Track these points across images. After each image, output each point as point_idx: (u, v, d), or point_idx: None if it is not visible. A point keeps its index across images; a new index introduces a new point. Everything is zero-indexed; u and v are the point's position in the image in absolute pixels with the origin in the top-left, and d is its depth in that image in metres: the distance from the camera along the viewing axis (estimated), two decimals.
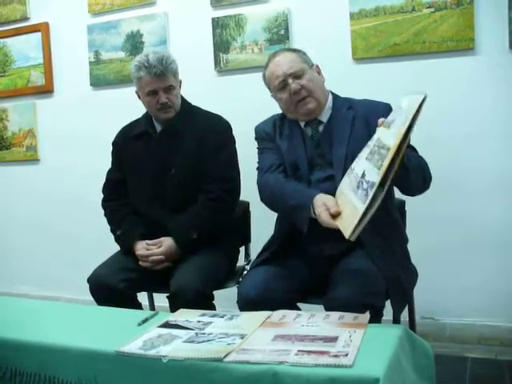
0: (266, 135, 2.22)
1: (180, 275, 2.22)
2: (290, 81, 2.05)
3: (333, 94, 2.19)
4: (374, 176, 1.52)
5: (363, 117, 2.06)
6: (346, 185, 1.75)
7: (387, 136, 1.56)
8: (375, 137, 1.68)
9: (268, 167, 2.14)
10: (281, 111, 2.23)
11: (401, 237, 2.13)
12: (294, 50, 2.17)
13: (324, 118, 2.12)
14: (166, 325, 1.64)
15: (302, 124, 2.14)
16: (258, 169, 2.21)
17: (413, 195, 2.04)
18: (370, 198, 1.49)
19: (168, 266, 2.32)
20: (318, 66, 2.16)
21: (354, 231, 1.53)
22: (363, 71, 2.88)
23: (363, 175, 1.60)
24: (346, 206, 1.68)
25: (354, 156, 1.87)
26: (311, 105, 2.07)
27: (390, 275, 1.88)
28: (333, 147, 2.05)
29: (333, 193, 1.87)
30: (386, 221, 1.98)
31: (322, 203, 1.78)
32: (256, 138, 2.26)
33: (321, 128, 2.11)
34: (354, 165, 1.77)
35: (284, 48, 2.20)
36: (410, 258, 2.14)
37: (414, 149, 2.01)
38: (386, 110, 2.04)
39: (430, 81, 2.75)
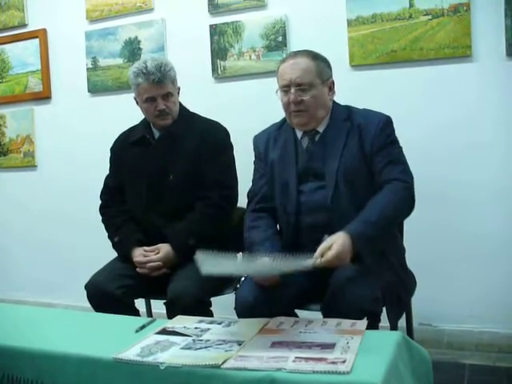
0: (257, 152, 2.24)
1: (177, 282, 2.22)
2: (293, 90, 2.02)
3: (333, 102, 2.15)
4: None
5: (358, 129, 2.04)
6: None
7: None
8: None
9: (254, 195, 2.19)
10: (279, 119, 2.23)
11: (396, 246, 2.11)
12: (316, 58, 2.07)
13: (321, 127, 2.10)
14: (164, 331, 1.64)
15: (299, 134, 2.13)
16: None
17: None
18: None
19: (165, 273, 2.32)
20: (332, 82, 2.10)
21: None
22: (360, 78, 2.88)
23: None
24: None
25: (345, 169, 1.98)
26: (303, 119, 2.05)
27: (385, 285, 1.88)
28: (326, 161, 2.04)
29: (324, 203, 1.98)
30: None
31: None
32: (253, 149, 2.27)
33: (317, 137, 2.10)
34: None
35: (308, 50, 2.10)
36: (407, 268, 2.13)
37: (397, 163, 1.99)
38: (381, 122, 2.03)
39: (427, 88, 2.76)
